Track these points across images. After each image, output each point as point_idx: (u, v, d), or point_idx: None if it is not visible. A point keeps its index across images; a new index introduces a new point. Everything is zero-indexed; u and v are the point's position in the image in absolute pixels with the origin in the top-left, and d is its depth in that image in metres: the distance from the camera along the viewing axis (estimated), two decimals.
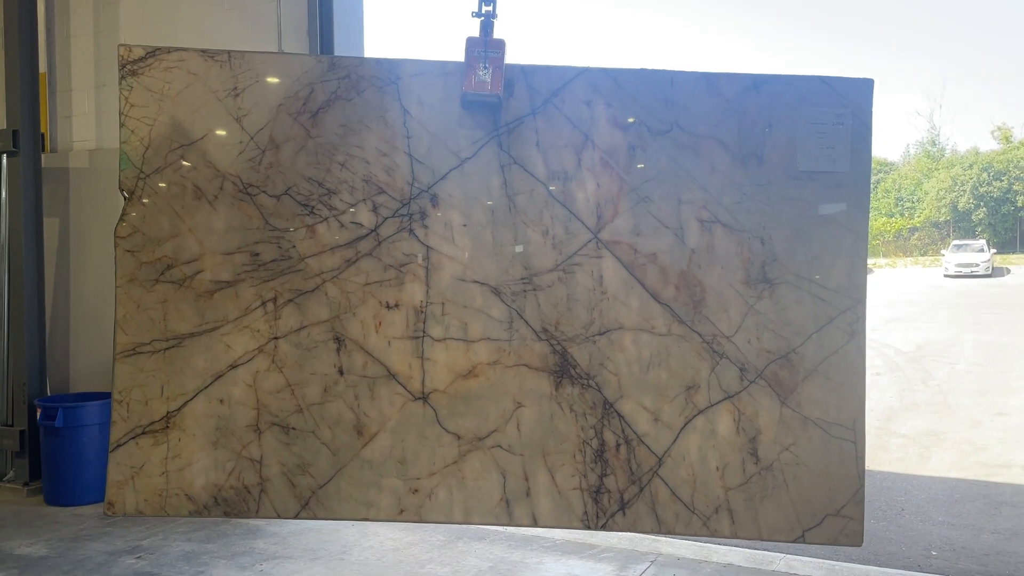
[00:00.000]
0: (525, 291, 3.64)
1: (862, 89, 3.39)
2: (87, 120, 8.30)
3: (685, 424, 3.63)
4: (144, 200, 3.74)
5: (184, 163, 3.71)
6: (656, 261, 3.70)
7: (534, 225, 3.68)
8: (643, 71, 3.51)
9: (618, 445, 3.63)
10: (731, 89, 3.52)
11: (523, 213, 3.69)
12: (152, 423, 3.67)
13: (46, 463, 6.55)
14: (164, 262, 3.73)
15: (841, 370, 3.36)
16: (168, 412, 3.67)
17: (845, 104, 3.40)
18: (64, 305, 8.39)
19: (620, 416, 3.67)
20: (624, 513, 3.46)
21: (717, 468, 3.49)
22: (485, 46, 3.38)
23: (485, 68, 3.36)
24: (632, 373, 3.62)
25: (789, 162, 3.47)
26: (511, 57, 3.66)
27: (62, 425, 6.37)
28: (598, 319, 3.63)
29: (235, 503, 3.65)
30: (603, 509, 3.46)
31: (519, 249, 3.75)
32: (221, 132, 3.76)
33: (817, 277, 3.43)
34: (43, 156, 7.87)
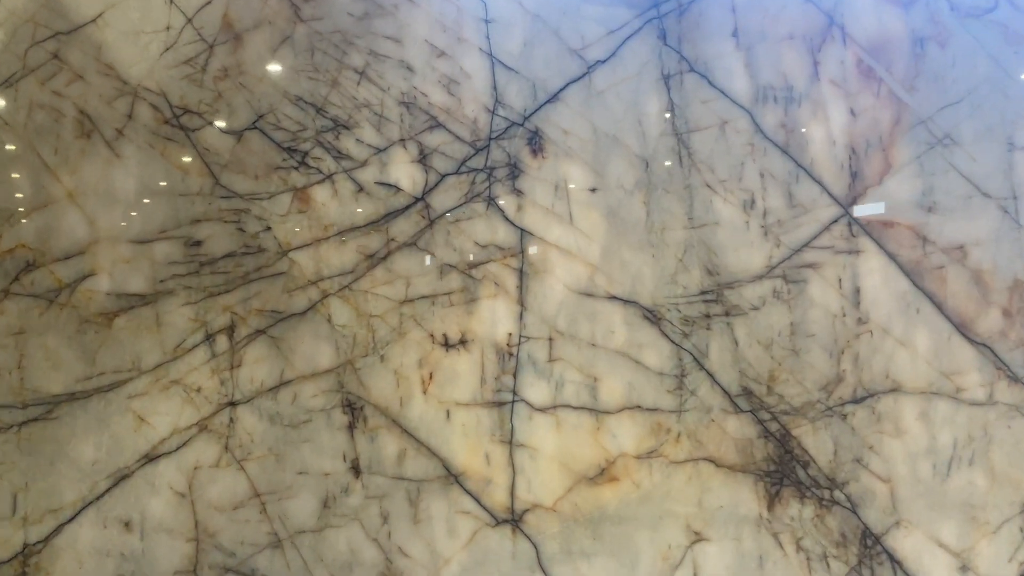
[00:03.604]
0: (709, 317, 2.14)
1: None
2: None
3: None
4: None
5: (60, 64, 2.18)
6: (966, 260, 2.17)
7: (727, 191, 2.23)
8: None
9: None
10: None
11: (706, 168, 2.19)
12: None
13: None
14: (18, 258, 2.22)
15: None
16: (26, 544, 2.19)
17: None
18: None
19: (894, 560, 2.17)
20: None
21: None
22: None
23: None
24: (918, 478, 2.10)
25: None
26: None
27: None
28: (851, 373, 2.23)
29: None
30: None
31: (696, 236, 2.22)
32: (132, 11, 2.22)
33: None
34: None
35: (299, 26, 2.36)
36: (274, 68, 2.35)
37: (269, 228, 2.34)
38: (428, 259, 2.34)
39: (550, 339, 2.33)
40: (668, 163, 2.33)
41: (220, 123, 2.34)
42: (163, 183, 2.34)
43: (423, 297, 2.34)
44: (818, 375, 2.29)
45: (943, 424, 2.25)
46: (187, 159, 2.34)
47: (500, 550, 2.31)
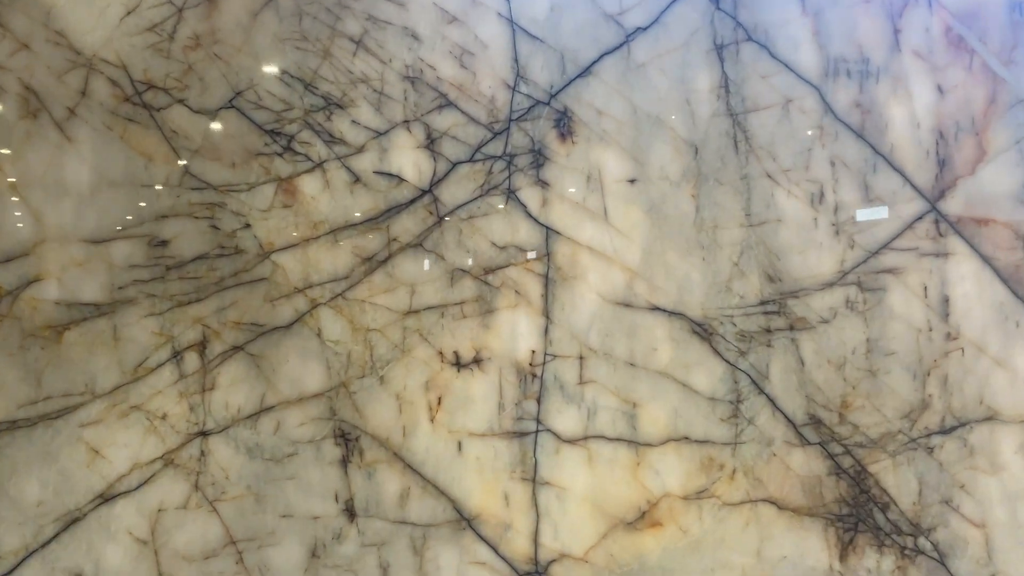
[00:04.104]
0: (770, 332, 1.84)
1: None
2: None
3: None
4: None
5: (1, 31, 1.91)
6: None
7: (792, 182, 1.92)
8: None
9: None
10: None
11: (767, 154, 1.88)
12: None
13: None
14: None
15: None
16: None
17: None
18: None
19: None
20: None
21: None
22: None
23: None
24: (1018, 523, 2.04)
25: None
26: None
27: None
28: (939, 398, 1.97)
29: None
30: None
31: (755, 236, 1.88)
32: None
33: None
34: None
35: None
36: (255, 36, 2.01)
37: (248, 225, 2.00)
38: (436, 262, 2.01)
39: (581, 358, 2.00)
40: (721, 149, 2.00)
41: (191, 101, 2.01)
42: (123, 172, 2.00)
43: (430, 308, 2.00)
44: (899, 401, 1.95)
45: None
46: (151, 143, 2.01)
47: None
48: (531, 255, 2.02)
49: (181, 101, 2.02)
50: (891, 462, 1.97)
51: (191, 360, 1.99)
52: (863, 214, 1.97)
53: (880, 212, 1.99)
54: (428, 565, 1.97)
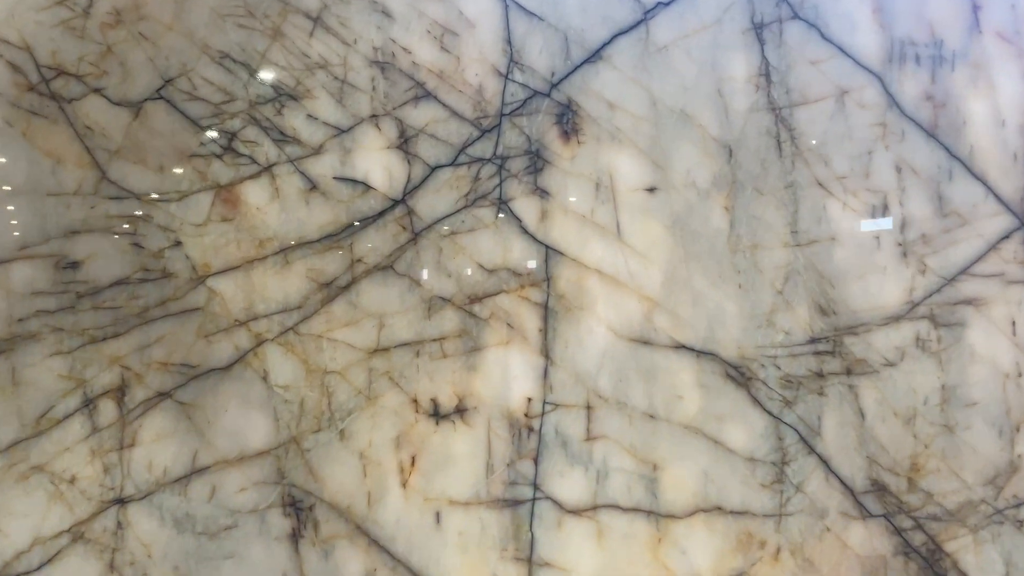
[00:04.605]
0: (823, 377, 1.53)
1: None
2: None
3: None
4: None
5: None
6: None
7: (848, 192, 1.72)
8: None
9: None
10: None
11: (817, 158, 1.61)
12: None
13: None
14: None
15: None
16: None
17: None
18: None
19: None
20: None
21: None
22: None
23: None
24: None
25: None
26: None
27: None
28: None
29: None
30: None
31: (803, 258, 1.51)
32: None
33: None
34: None
35: None
36: (189, 11, 1.67)
37: (179, 243, 1.65)
38: (411, 289, 1.66)
39: (588, 407, 1.64)
40: (761, 151, 1.65)
41: (110, 91, 1.66)
42: (24, 177, 1.66)
43: (403, 344, 1.65)
44: (983, 463, 1.60)
45: None
46: (61, 142, 1.66)
47: None
48: (527, 280, 1.68)
49: (98, 91, 1.67)
50: (972, 538, 1.61)
51: (106, 410, 1.64)
52: (936, 231, 1.63)
53: (957, 229, 1.65)
54: None
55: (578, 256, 1.66)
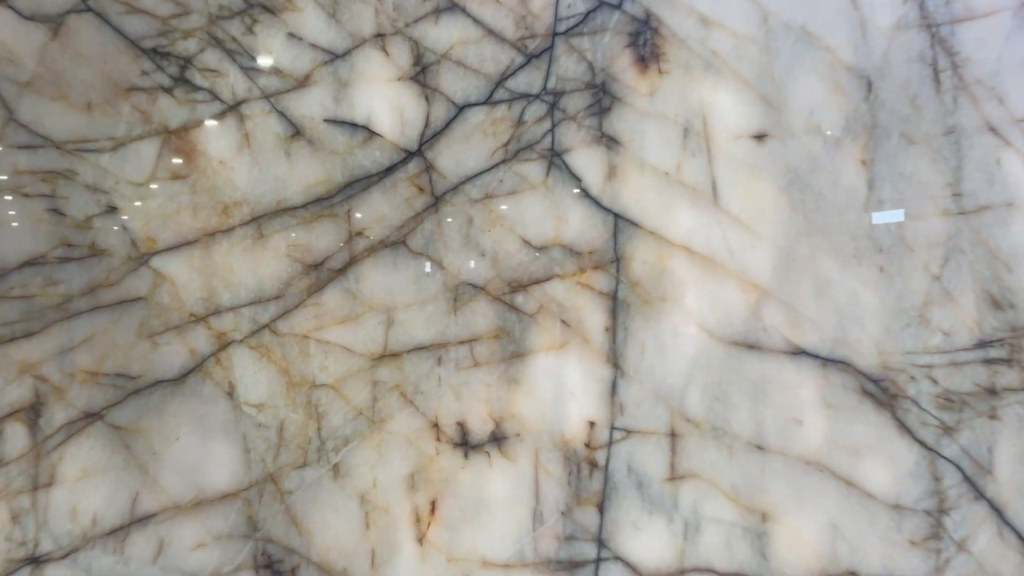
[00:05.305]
0: (995, 394, 1.25)
1: None
2: None
3: None
4: None
5: None
6: None
7: None
8: None
9: None
10: None
11: (988, 92, 1.40)
12: None
13: None
14: None
15: None
16: None
17: None
18: None
19: None
20: None
21: None
22: None
23: None
24: None
25: None
26: None
27: None
28: None
29: None
30: None
31: (969, 229, 1.02)
32: None
33: None
34: None
35: None
36: None
37: (113, 209, 1.25)
38: (431, 272, 1.26)
39: (672, 435, 1.24)
40: (912, 84, 1.25)
41: (20, 1, 1.26)
42: None
43: (419, 348, 1.25)
44: None
45: None
46: None
47: None
48: (588, 261, 1.28)
49: (3, 2, 1.27)
50: None
51: (14, 436, 1.24)
52: None
53: None
54: None
55: (659, 229, 1.26)
